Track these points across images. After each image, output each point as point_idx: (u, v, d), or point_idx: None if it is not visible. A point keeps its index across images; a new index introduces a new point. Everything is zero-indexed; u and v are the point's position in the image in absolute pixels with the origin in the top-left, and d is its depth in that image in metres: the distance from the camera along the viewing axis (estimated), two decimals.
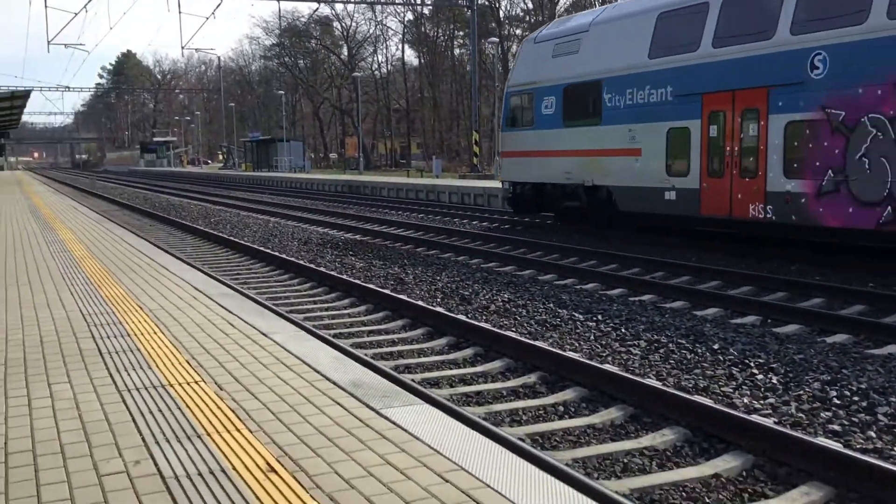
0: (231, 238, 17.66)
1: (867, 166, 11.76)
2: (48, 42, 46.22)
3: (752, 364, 7.16)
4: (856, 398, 6.19)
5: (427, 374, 7.13)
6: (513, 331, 8.53)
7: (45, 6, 38.68)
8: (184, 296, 7.67)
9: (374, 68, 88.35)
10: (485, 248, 15.53)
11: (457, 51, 77.24)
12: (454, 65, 76.71)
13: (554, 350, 7.31)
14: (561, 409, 6.23)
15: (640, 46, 15.74)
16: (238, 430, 3.86)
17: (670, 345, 7.91)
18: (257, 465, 3.42)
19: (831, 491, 4.59)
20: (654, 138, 15.41)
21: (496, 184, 26.10)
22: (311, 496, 3.11)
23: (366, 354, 7.59)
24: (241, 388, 4.55)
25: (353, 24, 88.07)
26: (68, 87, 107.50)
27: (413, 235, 18.13)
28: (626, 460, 5.15)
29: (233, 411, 4.15)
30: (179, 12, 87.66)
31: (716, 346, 7.78)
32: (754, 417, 5.46)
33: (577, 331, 8.67)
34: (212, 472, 3.34)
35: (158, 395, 4.43)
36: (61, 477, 3.33)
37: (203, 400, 4.34)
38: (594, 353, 7.76)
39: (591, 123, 17.10)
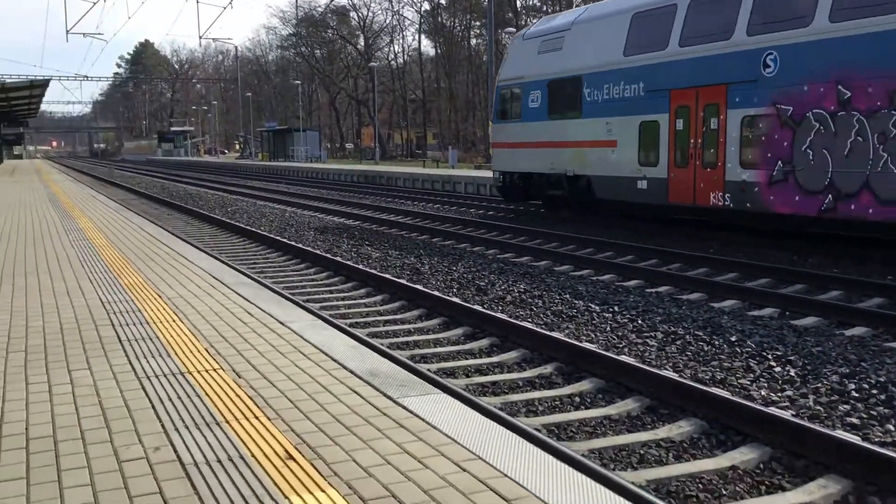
0: (248, 227, 17.73)
1: (811, 158, 12.78)
2: (67, 31, 46.43)
3: (769, 356, 7.12)
4: (874, 391, 6.15)
5: (443, 364, 7.14)
6: (529, 321, 8.53)
7: None
8: (202, 284, 7.71)
9: (390, 58, 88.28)
10: (500, 239, 15.52)
11: (473, 41, 77.02)
12: (470, 55, 76.49)
13: (570, 341, 7.31)
14: (577, 399, 6.22)
15: (616, 44, 16.79)
16: (256, 418, 3.88)
17: (687, 336, 7.89)
18: (276, 453, 3.44)
19: (849, 484, 4.57)
20: (628, 131, 16.48)
21: None
22: (329, 483, 3.12)
23: (382, 344, 7.61)
24: (258, 376, 4.58)
25: (370, 13, 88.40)
26: (87, 77, 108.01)
27: (429, 226, 18.14)
28: (642, 452, 5.14)
29: (251, 399, 4.17)
30: (197, 2, 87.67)
31: (733, 338, 7.75)
32: (772, 410, 5.44)
33: (594, 322, 8.66)
34: (231, 459, 3.37)
35: (177, 383, 4.46)
36: (82, 462, 3.36)
37: (221, 387, 4.37)
38: (610, 344, 7.74)
39: (572, 116, 18.19)
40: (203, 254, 10.75)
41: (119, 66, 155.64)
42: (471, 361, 7.26)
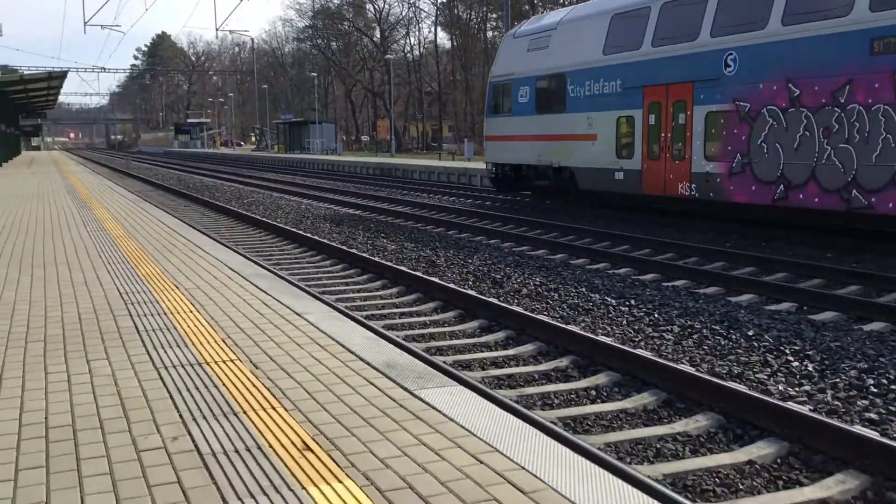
0: (264, 219, 17.78)
1: (765, 151, 13.84)
2: (84, 23, 46.68)
3: (787, 351, 7.08)
4: (893, 386, 6.10)
5: (459, 357, 7.14)
6: (545, 314, 8.51)
7: None
8: (218, 275, 7.74)
9: (406, 51, 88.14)
10: (516, 232, 15.49)
11: (490, 33, 76.70)
12: (487, 48, 76.16)
13: (586, 334, 7.29)
14: (593, 393, 6.21)
15: (597, 44, 17.89)
16: (274, 409, 3.89)
17: (704, 330, 7.85)
18: (293, 444, 3.45)
19: (867, 479, 4.53)
20: (607, 125, 17.60)
21: None
22: (346, 474, 3.13)
23: (398, 336, 7.62)
24: (276, 367, 4.59)
25: (386, 5, 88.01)
26: (104, 69, 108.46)
27: (444, 218, 18.13)
28: (658, 445, 5.12)
29: (268, 390, 4.19)
30: None
31: (750, 333, 7.70)
32: (790, 404, 5.41)
33: (610, 315, 8.63)
34: (248, 450, 3.38)
35: (195, 373, 4.49)
36: (100, 452, 3.38)
37: (239, 378, 4.39)
38: (627, 337, 7.72)
39: (557, 111, 19.32)
40: (219, 245, 10.80)
41: (136, 58, 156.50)
42: (486, 354, 7.26)
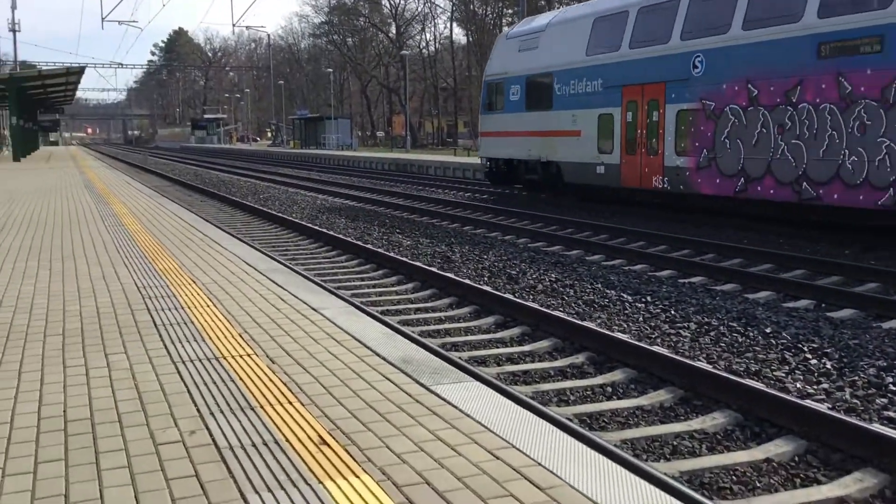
0: (280, 214, 17.84)
1: (728, 146, 14.89)
2: (102, 19, 46.98)
3: (805, 348, 7.04)
4: None
5: (474, 353, 7.14)
6: (560, 310, 8.49)
7: None
8: (235, 270, 7.77)
9: (421, 46, 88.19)
10: (531, 228, 15.47)
11: (505, 29, 76.61)
12: None
13: (602, 330, 7.27)
14: (609, 390, 6.19)
15: (580, 45, 19.04)
16: (290, 403, 3.90)
17: (721, 327, 7.81)
18: (310, 438, 3.45)
19: (886, 478, 4.50)
20: (589, 122, 18.72)
21: None
22: (363, 469, 3.14)
23: (413, 331, 7.62)
24: (292, 362, 4.60)
25: (402, 1, 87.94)
26: (121, 64, 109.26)
27: (460, 214, 18.13)
28: (675, 443, 5.10)
29: (285, 384, 4.20)
30: None
31: (768, 330, 7.66)
32: (807, 402, 5.37)
33: (626, 312, 8.60)
34: (265, 444, 3.39)
35: (212, 367, 4.50)
36: (119, 445, 3.40)
37: (256, 373, 4.40)
38: (643, 334, 7.69)
39: (545, 109, 20.45)
40: (236, 240, 10.84)
41: (153, 53, 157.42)
42: (502, 350, 7.25)
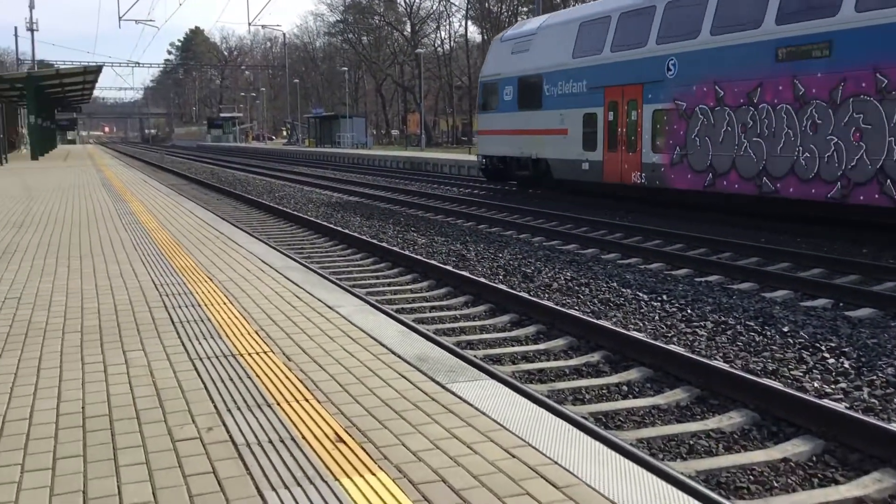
0: (295, 213, 17.89)
1: (698, 144, 16.02)
2: (119, 18, 47.27)
3: (823, 348, 6.99)
4: None
5: (490, 351, 7.13)
6: (576, 309, 8.48)
7: None
8: (251, 268, 7.80)
9: (436, 45, 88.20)
10: (547, 226, 15.44)
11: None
12: None
13: (618, 329, 7.24)
14: (625, 388, 6.17)
15: (567, 48, 20.25)
16: (307, 401, 3.91)
17: (738, 326, 7.77)
18: (326, 435, 3.46)
19: None
20: (575, 121, 19.94)
21: None
22: (379, 467, 3.14)
23: (429, 330, 7.62)
24: (308, 360, 4.62)
25: (417, 0, 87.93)
26: (138, 63, 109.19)
27: (475, 212, 18.12)
28: (692, 442, 5.08)
29: (301, 382, 4.21)
30: None
31: (785, 329, 7.61)
32: (825, 402, 5.34)
33: (642, 310, 8.57)
34: (282, 441, 3.40)
35: (229, 364, 4.52)
36: (137, 441, 3.42)
37: (272, 370, 4.42)
38: (659, 333, 7.66)
39: (535, 108, 21.61)
40: (252, 238, 10.87)
41: (170, 52, 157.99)
42: (517, 348, 7.24)
